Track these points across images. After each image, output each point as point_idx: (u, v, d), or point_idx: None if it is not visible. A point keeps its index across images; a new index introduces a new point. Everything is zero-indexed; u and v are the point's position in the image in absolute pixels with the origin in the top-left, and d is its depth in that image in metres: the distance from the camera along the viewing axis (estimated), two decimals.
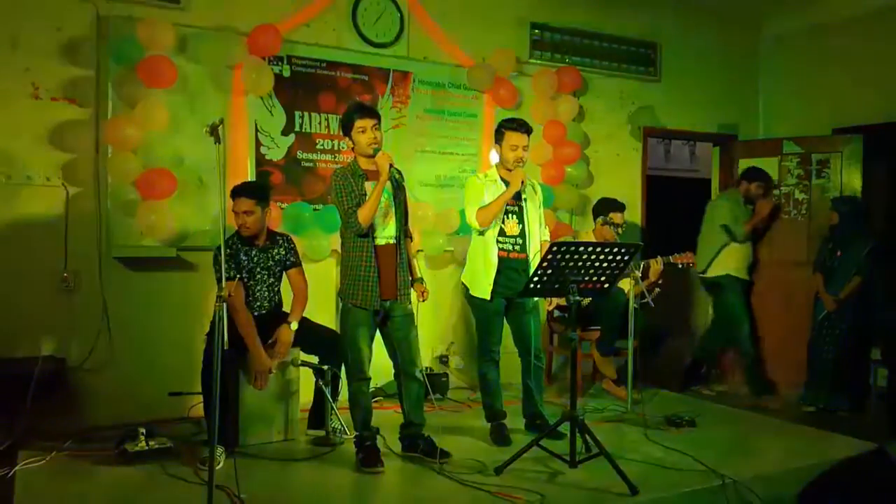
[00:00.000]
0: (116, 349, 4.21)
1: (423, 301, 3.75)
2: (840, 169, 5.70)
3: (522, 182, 3.89)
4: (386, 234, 3.56)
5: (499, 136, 3.98)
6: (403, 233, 3.65)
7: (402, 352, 3.63)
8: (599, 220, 4.98)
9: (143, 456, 3.49)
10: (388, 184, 3.53)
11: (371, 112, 3.55)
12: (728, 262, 5.55)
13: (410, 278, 3.70)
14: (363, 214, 3.42)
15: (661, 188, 6.79)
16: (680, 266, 4.89)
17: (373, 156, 3.47)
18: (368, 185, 3.49)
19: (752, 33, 6.52)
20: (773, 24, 6.44)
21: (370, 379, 3.62)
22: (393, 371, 3.71)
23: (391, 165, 3.45)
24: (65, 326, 4.11)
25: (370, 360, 3.59)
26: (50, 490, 3.19)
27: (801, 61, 6.25)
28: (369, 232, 3.49)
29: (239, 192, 3.76)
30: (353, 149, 3.57)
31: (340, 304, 3.68)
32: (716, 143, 6.58)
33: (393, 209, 3.58)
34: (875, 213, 5.62)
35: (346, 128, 3.55)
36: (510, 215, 3.95)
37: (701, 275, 5.70)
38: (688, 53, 6.19)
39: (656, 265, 4.81)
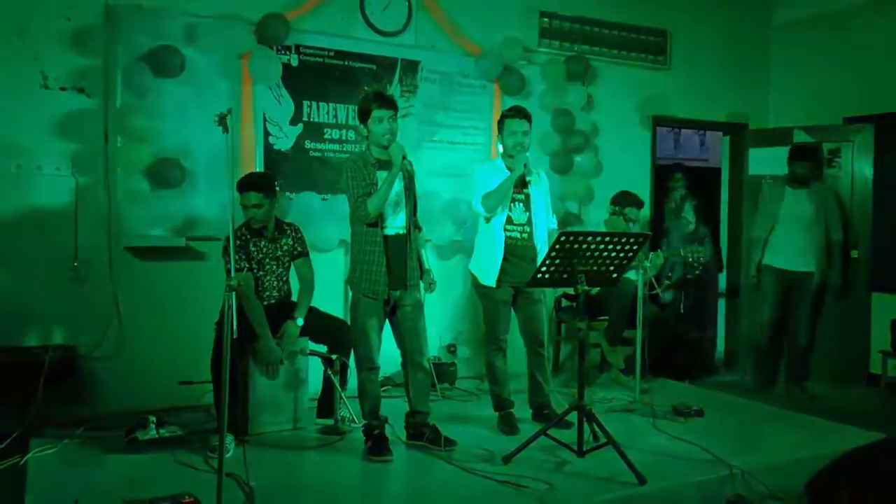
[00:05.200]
0: (127, 338, 4.23)
1: (430, 293, 3.83)
2: (851, 158, 5.66)
3: (525, 166, 3.88)
4: (396, 224, 3.57)
5: (500, 127, 4.01)
6: (413, 224, 3.65)
7: (409, 341, 3.65)
8: (615, 209, 4.96)
9: (153, 444, 3.51)
10: (400, 175, 3.53)
11: (389, 103, 3.54)
12: None
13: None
14: (373, 204, 3.43)
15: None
16: (690, 259, 4.79)
17: (387, 146, 3.48)
18: (380, 175, 3.49)
19: (763, 21, 6.46)
20: (783, 12, 6.38)
21: (379, 368, 3.64)
22: (400, 360, 3.72)
23: (404, 157, 3.45)
24: (75, 315, 4.14)
25: (379, 350, 3.61)
26: (61, 477, 3.22)
27: (812, 50, 6.18)
28: (379, 222, 3.50)
29: (246, 186, 3.76)
30: (367, 137, 3.56)
31: (350, 294, 3.68)
32: (726, 133, 6.53)
33: (403, 200, 3.58)
34: (888, 203, 5.57)
35: (363, 115, 3.54)
36: (517, 203, 3.94)
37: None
38: (698, 42, 6.13)
39: (657, 259, 4.69)
